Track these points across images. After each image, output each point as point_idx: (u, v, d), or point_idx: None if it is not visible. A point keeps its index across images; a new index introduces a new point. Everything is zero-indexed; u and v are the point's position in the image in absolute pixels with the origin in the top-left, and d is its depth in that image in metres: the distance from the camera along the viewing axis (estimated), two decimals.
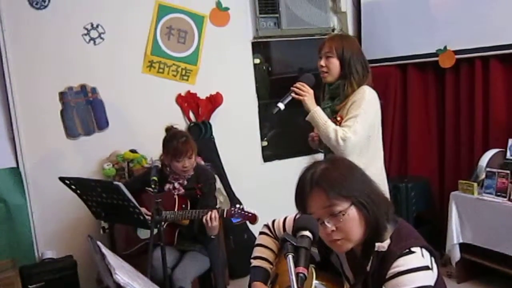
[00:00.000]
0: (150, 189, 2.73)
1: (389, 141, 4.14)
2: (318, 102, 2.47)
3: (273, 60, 4.21)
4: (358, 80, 2.42)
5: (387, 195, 1.70)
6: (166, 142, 2.91)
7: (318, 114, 2.39)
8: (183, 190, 2.95)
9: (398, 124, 4.24)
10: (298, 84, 2.41)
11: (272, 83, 4.18)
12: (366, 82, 2.44)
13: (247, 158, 4.17)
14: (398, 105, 4.21)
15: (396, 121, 4.24)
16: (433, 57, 3.81)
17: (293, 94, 2.40)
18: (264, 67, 4.08)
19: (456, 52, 3.66)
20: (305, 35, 4.24)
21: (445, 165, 3.95)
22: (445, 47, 3.72)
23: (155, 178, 2.56)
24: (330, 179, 1.51)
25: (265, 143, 4.22)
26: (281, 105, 2.38)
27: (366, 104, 2.36)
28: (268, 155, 4.29)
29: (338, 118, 2.38)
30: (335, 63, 2.45)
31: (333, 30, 4.23)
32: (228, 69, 4.06)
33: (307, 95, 2.38)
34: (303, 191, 1.53)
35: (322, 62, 2.46)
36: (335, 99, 2.49)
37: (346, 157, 2.13)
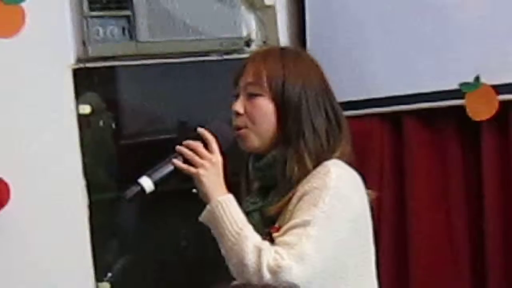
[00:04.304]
0: None
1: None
2: (235, 193, 1.88)
3: (123, 107, 3.17)
4: (317, 149, 1.82)
5: None
6: None
7: (225, 210, 1.79)
8: None
9: (388, 235, 3.13)
10: (190, 142, 1.83)
11: (122, 155, 3.10)
12: (337, 152, 1.83)
13: None
14: (388, 194, 3.14)
15: (383, 230, 3.10)
16: (455, 99, 2.90)
17: (176, 161, 1.81)
18: (102, 123, 3.06)
19: (500, 89, 2.81)
20: (188, 54, 3.10)
21: None
22: (476, 80, 2.84)
23: None
24: None
25: (106, 287, 3.02)
26: (148, 183, 1.80)
27: (331, 200, 1.75)
28: None
29: (275, 234, 1.78)
30: (264, 109, 1.86)
31: (247, 42, 3.24)
32: (21, 129, 2.84)
33: (206, 165, 1.80)
34: None
35: (238, 106, 1.87)
36: (269, 191, 1.86)
37: None
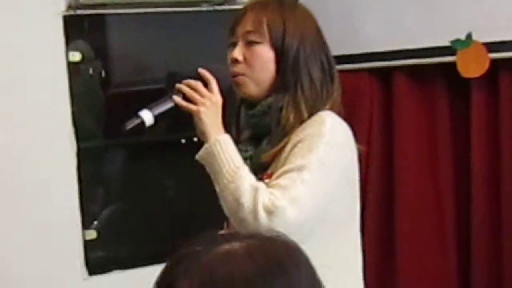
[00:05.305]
0: None
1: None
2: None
3: (113, 56, 3.10)
4: (313, 98, 1.81)
5: None
6: None
7: (223, 149, 1.78)
8: None
9: (375, 189, 3.13)
10: (190, 81, 1.79)
11: (110, 104, 3.05)
12: (329, 103, 1.82)
13: (51, 267, 2.84)
14: (376, 150, 3.14)
15: (371, 184, 3.11)
16: (445, 56, 2.82)
17: (176, 98, 1.79)
18: (92, 71, 3.00)
19: (491, 47, 2.73)
20: (180, 4, 3.05)
21: (475, 277, 2.86)
22: (468, 37, 2.78)
23: None
24: None
25: (92, 235, 2.99)
26: (148, 116, 1.79)
27: (325, 148, 1.76)
28: (100, 259, 2.99)
29: (266, 180, 1.77)
30: (264, 57, 1.83)
31: None
32: (11, 76, 2.81)
33: (207, 103, 1.78)
34: None
35: (237, 53, 1.84)
36: (262, 139, 1.85)
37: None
